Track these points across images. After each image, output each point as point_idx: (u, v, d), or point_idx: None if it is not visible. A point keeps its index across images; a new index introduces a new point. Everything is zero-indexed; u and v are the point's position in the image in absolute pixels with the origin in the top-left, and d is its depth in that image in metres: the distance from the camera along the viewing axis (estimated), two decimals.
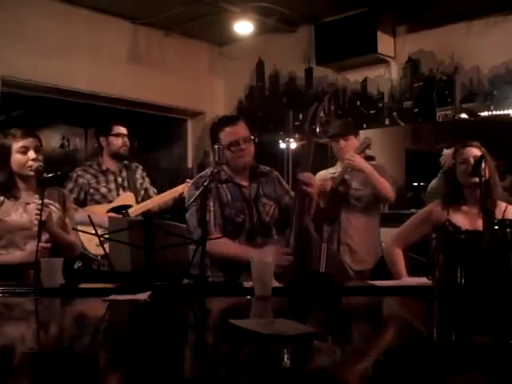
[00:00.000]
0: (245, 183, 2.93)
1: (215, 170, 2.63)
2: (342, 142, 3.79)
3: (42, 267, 2.36)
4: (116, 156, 3.99)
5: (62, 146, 6.97)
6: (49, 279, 2.32)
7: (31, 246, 2.72)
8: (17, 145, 2.83)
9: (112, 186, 3.93)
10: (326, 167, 4.21)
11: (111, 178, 3.96)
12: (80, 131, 7.01)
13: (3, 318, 1.99)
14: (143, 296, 2.06)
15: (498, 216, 2.83)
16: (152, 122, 6.67)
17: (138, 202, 3.91)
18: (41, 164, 2.83)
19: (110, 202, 3.88)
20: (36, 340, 1.61)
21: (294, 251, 2.64)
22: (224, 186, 2.88)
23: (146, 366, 1.20)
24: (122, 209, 3.80)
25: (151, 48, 6.29)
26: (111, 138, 3.99)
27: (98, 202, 3.87)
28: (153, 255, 2.19)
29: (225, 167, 2.90)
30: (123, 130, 4.03)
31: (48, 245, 2.80)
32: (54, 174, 2.85)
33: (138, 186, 4.01)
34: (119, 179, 3.97)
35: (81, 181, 3.88)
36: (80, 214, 3.37)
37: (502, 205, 2.90)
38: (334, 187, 3.73)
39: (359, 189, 3.75)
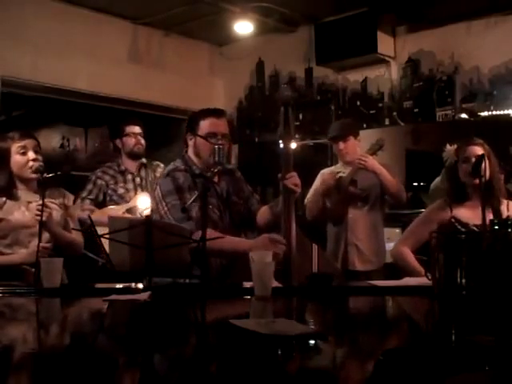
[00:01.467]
0: (215, 180, 2.85)
1: (215, 171, 2.62)
2: (341, 144, 3.78)
3: (42, 267, 2.36)
4: (132, 155, 4.09)
5: (61, 145, 6.97)
6: (49, 279, 2.32)
7: (33, 246, 2.73)
8: (16, 146, 2.84)
9: (130, 186, 4.03)
10: (326, 166, 4.22)
11: (129, 178, 4.06)
12: (80, 131, 7.01)
13: (3, 318, 1.99)
14: (143, 296, 2.06)
15: (504, 213, 2.84)
16: (152, 121, 6.66)
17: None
18: (41, 164, 2.83)
19: (128, 202, 3.97)
20: (36, 340, 1.61)
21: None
22: (197, 180, 2.76)
23: (146, 366, 1.20)
24: (136, 209, 3.86)
25: (151, 48, 6.29)
26: (125, 139, 4.10)
27: (116, 203, 3.97)
28: (153, 255, 2.18)
29: (196, 161, 2.83)
30: (136, 129, 4.12)
31: (48, 245, 2.80)
32: (54, 174, 2.86)
33: None
34: (137, 179, 4.07)
35: (99, 182, 4.01)
36: (96, 215, 3.50)
37: (503, 202, 2.91)
38: (343, 187, 3.71)
39: (366, 189, 3.75)
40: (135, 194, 4.00)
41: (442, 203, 3.00)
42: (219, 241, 2.41)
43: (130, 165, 4.10)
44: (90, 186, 4.01)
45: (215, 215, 2.78)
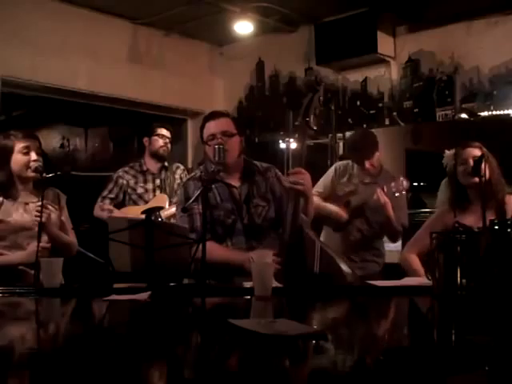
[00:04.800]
0: (235, 183, 2.82)
1: (215, 170, 2.61)
2: (367, 163, 3.65)
3: (42, 267, 2.36)
4: (155, 156, 4.19)
5: (62, 145, 6.97)
6: (49, 279, 2.32)
7: (31, 246, 2.73)
8: (19, 145, 2.84)
9: (149, 186, 4.12)
10: (326, 166, 4.18)
11: (149, 178, 4.15)
12: (80, 131, 7.01)
13: (3, 318, 1.99)
14: (143, 296, 2.06)
15: (508, 209, 2.84)
16: (154, 121, 6.66)
17: (171, 204, 4.04)
18: (40, 164, 2.83)
19: (147, 202, 4.06)
20: (36, 340, 1.61)
21: (286, 251, 2.54)
22: (213, 186, 2.75)
23: (146, 366, 1.20)
24: (154, 210, 3.90)
25: (151, 48, 6.29)
26: (153, 139, 4.21)
27: (134, 202, 4.07)
28: (153, 255, 2.18)
29: (213, 166, 2.80)
30: (165, 132, 4.25)
31: (48, 245, 2.81)
32: (54, 174, 2.86)
33: (175, 186, 4.16)
34: (157, 180, 4.16)
35: (120, 181, 4.11)
36: (115, 215, 3.72)
37: (510, 199, 2.91)
38: (353, 206, 3.65)
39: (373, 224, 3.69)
40: (154, 195, 4.09)
41: (446, 209, 3.02)
42: (214, 252, 2.42)
43: (152, 165, 4.19)
44: (110, 185, 4.11)
45: (229, 220, 2.75)
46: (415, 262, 2.95)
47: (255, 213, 2.81)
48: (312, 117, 2.59)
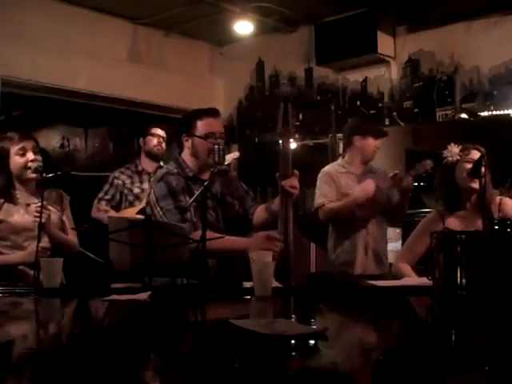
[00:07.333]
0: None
1: (215, 171, 2.61)
2: (378, 142, 3.70)
3: (42, 267, 2.36)
4: (150, 155, 4.21)
5: (62, 145, 6.97)
6: (49, 279, 2.32)
7: (32, 246, 2.73)
8: (15, 147, 2.83)
9: (146, 186, 4.13)
10: (323, 165, 4.13)
11: (145, 178, 4.14)
12: (80, 131, 7.01)
13: (3, 317, 1.99)
14: (143, 296, 2.06)
15: (495, 210, 2.85)
16: (152, 122, 6.66)
17: None
18: (40, 164, 2.83)
19: (142, 202, 4.05)
20: (35, 340, 1.61)
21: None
22: (190, 183, 2.77)
23: (146, 366, 1.20)
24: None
25: (151, 48, 6.28)
26: (148, 138, 4.25)
27: (131, 203, 4.07)
28: (153, 255, 2.18)
29: (190, 163, 2.83)
30: (160, 132, 4.28)
31: (48, 245, 2.80)
32: (54, 174, 2.86)
33: None
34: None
35: (116, 182, 4.12)
36: (111, 215, 3.71)
37: (496, 199, 2.91)
38: (383, 199, 3.60)
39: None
40: None
41: (434, 214, 3.02)
42: (217, 240, 2.42)
43: (148, 165, 4.20)
44: (106, 187, 4.11)
45: (211, 216, 2.77)
46: (407, 271, 2.93)
47: (229, 210, 2.86)
48: (291, 124, 2.67)
